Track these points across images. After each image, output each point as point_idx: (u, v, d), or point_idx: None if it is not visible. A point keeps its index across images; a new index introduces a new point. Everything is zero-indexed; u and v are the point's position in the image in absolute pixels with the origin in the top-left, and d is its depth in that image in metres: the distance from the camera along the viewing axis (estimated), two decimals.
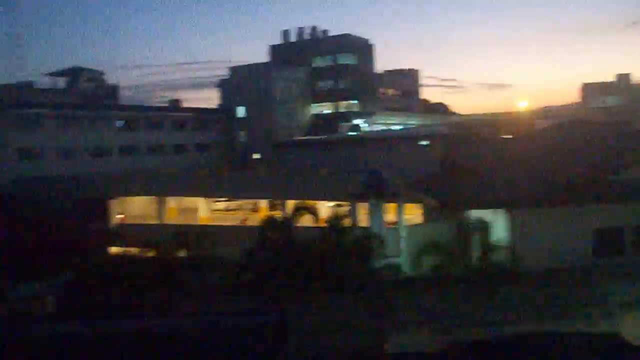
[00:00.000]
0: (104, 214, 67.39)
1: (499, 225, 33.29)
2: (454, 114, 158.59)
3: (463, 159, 43.65)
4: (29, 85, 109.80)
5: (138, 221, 67.39)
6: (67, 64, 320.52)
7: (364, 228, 37.24)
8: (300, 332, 17.04)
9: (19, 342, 9.46)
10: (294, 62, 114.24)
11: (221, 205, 72.32)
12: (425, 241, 30.17)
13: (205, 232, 43.94)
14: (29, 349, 8.88)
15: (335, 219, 30.30)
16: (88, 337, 9.74)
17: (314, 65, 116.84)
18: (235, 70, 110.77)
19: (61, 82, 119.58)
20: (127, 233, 57.94)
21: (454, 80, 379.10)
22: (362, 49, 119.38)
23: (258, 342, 8.77)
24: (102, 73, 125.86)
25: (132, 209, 72.88)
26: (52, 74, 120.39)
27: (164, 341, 9.10)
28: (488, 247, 28.02)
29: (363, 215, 42.30)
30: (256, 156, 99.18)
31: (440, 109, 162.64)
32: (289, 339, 8.97)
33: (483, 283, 24.79)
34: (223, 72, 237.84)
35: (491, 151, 44.78)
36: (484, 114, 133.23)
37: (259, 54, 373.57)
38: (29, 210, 67.71)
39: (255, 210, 67.25)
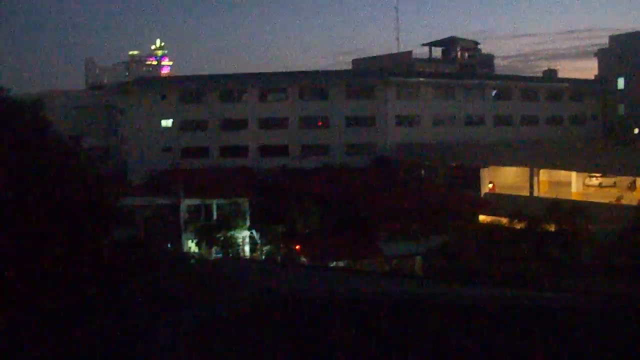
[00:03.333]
0: (475, 181, 68.95)
1: None
2: None
3: None
4: (408, 54, 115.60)
5: (507, 191, 67.79)
6: (444, 34, 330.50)
7: None
8: None
9: (382, 299, 10.34)
10: None
11: (595, 181, 69.75)
12: None
13: (577, 208, 43.18)
14: (393, 305, 9.76)
15: None
16: (447, 300, 10.39)
17: None
18: (615, 39, 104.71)
19: (437, 52, 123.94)
20: (496, 202, 58.80)
21: None
22: None
23: (627, 330, 8.70)
24: (476, 43, 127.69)
25: (502, 178, 73.45)
26: (428, 44, 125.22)
27: (530, 315, 9.45)
28: None
29: None
30: (637, 131, 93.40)
31: None
32: None
33: None
34: (603, 41, 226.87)
35: None
36: None
37: None
38: (407, 174, 71.95)
39: (631, 188, 63.88)
